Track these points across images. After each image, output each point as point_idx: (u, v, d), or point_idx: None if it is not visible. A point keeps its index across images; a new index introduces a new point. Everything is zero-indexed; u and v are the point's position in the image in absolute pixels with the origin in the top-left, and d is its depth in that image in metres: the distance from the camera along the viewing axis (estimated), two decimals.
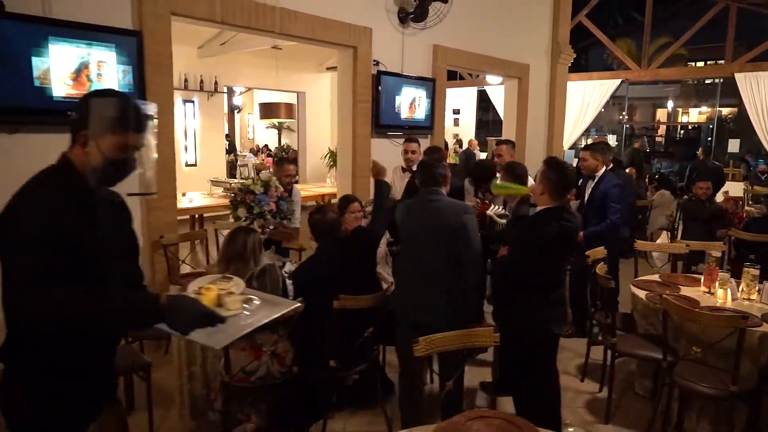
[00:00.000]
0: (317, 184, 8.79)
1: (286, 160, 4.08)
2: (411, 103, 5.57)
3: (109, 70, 3.33)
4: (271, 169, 5.24)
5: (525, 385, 2.55)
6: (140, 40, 3.45)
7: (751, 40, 10.45)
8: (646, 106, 20.90)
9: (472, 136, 14.52)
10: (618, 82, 11.70)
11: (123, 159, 1.41)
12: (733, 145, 12.62)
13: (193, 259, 4.16)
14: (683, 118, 17.85)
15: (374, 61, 5.16)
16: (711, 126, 12.93)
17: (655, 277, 3.60)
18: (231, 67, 8.89)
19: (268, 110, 7.32)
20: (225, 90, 9.55)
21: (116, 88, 3.37)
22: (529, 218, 2.60)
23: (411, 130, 5.65)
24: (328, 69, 10.04)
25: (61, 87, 3.16)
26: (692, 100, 18.22)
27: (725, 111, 19.07)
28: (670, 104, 19.07)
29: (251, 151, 14.79)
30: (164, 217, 3.78)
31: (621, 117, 17.97)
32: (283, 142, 17.55)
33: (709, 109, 17.66)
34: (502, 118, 11.53)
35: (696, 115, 18.51)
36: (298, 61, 9.49)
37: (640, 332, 3.27)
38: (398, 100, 5.43)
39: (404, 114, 5.54)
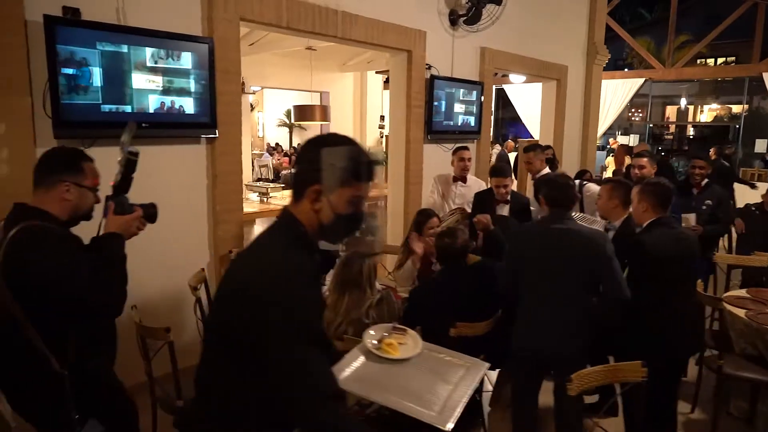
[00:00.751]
0: None
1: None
2: (462, 107, 5.44)
3: (181, 79, 3.18)
4: (292, 170, 5.07)
5: (647, 410, 2.43)
6: (212, 47, 3.30)
7: None
8: (655, 104, 20.83)
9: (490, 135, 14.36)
10: (641, 81, 11.59)
11: (354, 214, 1.24)
12: (761, 145, 12.52)
13: None
14: (701, 117, 17.71)
15: (426, 65, 5.02)
16: (738, 125, 12.78)
17: (743, 293, 3.49)
18: (259, 69, 8.72)
19: (302, 112, 7.15)
20: (252, 91, 9.38)
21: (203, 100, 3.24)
22: (638, 234, 2.48)
23: (461, 135, 5.53)
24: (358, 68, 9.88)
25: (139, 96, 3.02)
26: (709, 97, 18.11)
27: (735, 108, 19.05)
28: (683, 102, 18.99)
29: (267, 150, 14.61)
30: (232, 231, 3.64)
31: (629, 115, 17.91)
32: (294, 141, 17.40)
33: (719, 107, 17.62)
34: (522, 118, 11.55)
35: (708, 112, 18.40)
36: (321, 60, 9.33)
37: (737, 352, 3.16)
38: (449, 104, 5.29)
39: (455, 119, 5.40)
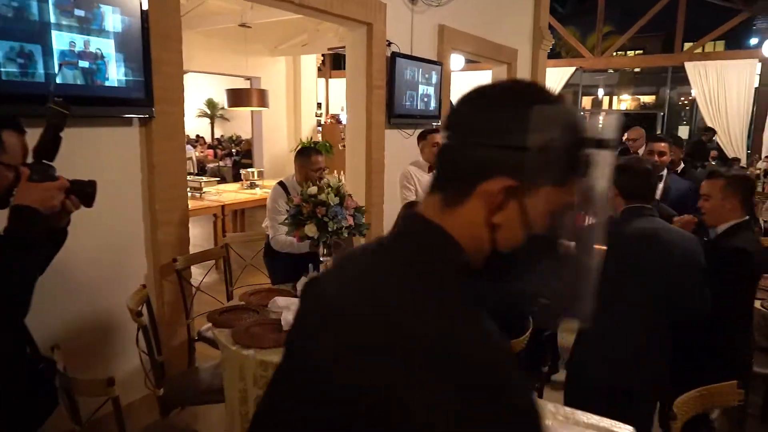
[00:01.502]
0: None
1: (312, 150, 3.27)
2: (422, 89, 4.98)
3: (103, 40, 2.46)
4: (220, 163, 4.22)
5: None
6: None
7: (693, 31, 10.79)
8: (569, 93, 21.66)
9: None
10: (572, 70, 11.77)
11: (551, 234, 0.65)
12: (683, 132, 13.19)
13: (213, 286, 3.33)
14: (621, 106, 18.55)
15: (387, 41, 4.51)
16: (662, 113, 13.38)
17: None
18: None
19: (237, 97, 6.38)
20: None
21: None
22: (727, 239, 2.13)
23: (421, 120, 5.08)
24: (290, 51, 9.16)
25: None
26: (625, 88, 19.01)
27: (646, 99, 20.20)
28: (600, 92, 19.81)
29: (188, 142, 13.45)
30: (175, 233, 2.95)
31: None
32: (217, 132, 16.25)
33: (629, 97, 18.59)
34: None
35: (624, 102, 19.33)
36: (252, 43, 8.54)
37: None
38: (411, 85, 4.82)
39: (416, 102, 4.94)
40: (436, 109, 5.24)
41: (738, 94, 9.93)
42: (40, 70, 2.21)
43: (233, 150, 12.52)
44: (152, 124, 2.75)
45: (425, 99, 5.06)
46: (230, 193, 6.19)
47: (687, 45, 11.43)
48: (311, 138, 8.65)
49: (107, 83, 2.47)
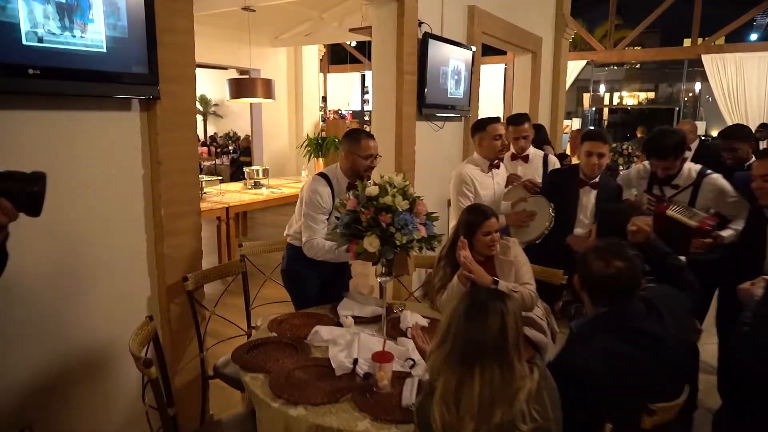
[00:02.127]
0: (286, 179, 7.33)
1: (362, 132, 2.61)
2: (455, 77, 4.44)
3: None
4: (216, 161, 3.58)
5: None
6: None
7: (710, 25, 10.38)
8: (571, 89, 21.29)
9: None
10: (583, 63, 11.31)
11: None
12: (700, 127, 12.77)
13: (229, 309, 2.72)
14: (629, 101, 18.16)
15: (418, 20, 3.96)
16: (678, 108, 12.97)
17: None
18: None
19: (240, 88, 5.79)
20: None
21: None
22: None
23: (452, 111, 4.54)
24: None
25: None
26: (636, 83, 18.66)
27: (646, 95, 19.85)
28: (602, 88, 19.42)
29: None
30: (186, 246, 2.38)
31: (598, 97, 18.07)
32: (210, 130, 15.59)
33: (629, 93, 18.25)
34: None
35: (627, 98, 18.96)
36: (253, 32, 7.95)
37: None
38: (443, 72, 4.28)
39: (448, 90, 4.40)
40: (467, 99, 4.70)
41: (758, 87, 9.52)
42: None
43: (230, 147, 11.90)
44: (157, 108, 2.18)
45: (457, 88, 4.52)
46: (234, 193, 5.60)
47: (687, 41, 11.08)
48: (318, 133, 8.08)
49: (89, 44, 1.86)
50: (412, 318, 2.25)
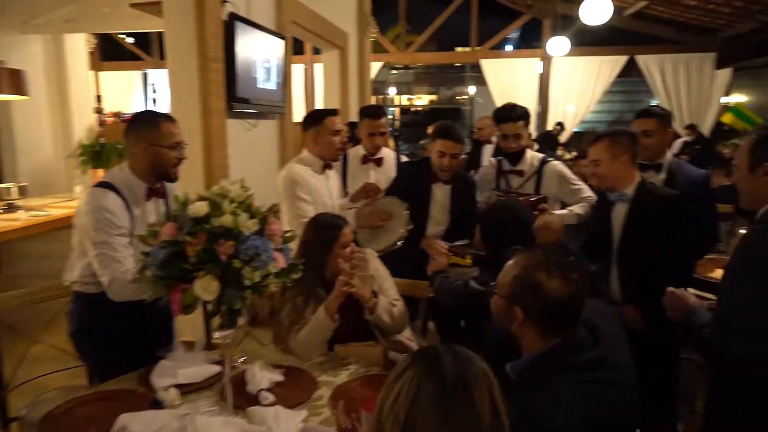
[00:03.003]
0: (54, 197, 5.84)
1: (161, 115, 1.99)
2: (265, 68, 3.88)
3: None
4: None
5: None
6: None
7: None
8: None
9: None
10: (380, 65, 11.59)
11: None
12: None
13: None
14: (418, 102, 19.39)
15: None
16: (468, 107, 14.12)
17: None
18: None
19: None
20: None
21: None
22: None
23: (266, 108, 3.98)
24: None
25: None
26: (424, 85, 19.98)
27: (430, 97, 21.63)
28: (392, 90, 20.51)
29: None
30: None
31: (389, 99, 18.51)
32: None
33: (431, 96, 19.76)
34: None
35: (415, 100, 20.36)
36: None
37: None
38: (255, 62, 3.69)
39: (263, 83, 3.82)
40: (281, 95, 4.18)
41: (529, 88, 10.86)
42: None
43: None
44: None
45: (270, 81, 3.97)
46: None
47: (460, 49, 12.27)
48: (96, 139, 6.66)
49: None
50: (261, 374, 1.68)
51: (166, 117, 1.99)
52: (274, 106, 4.12)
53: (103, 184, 1.88)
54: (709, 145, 8.94)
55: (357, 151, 3.18)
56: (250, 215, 1.27)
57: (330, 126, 2.59)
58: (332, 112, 2.65)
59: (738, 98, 10.51)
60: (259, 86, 3.78)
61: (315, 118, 2.64)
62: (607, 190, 2.20)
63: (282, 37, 4.08)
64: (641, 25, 10.37)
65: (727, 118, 2.42)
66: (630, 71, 10.51)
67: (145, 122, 1.96)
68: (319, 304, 1.92)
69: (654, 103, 11.32)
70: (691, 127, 9.19)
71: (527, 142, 2.79)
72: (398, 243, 2.52)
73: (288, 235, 1.41)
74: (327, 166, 2.70)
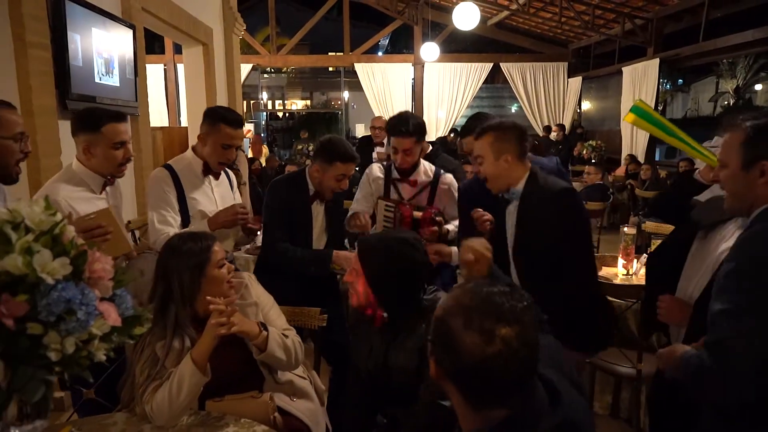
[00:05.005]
0: None
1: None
2: (107, 60, 3.26)
3: None
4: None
5: None
6: None
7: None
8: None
9: None
10: (249, 67, 10.96)
11: None
12: (360, 129, 13.95)
13: None
14: (292, 107, 18.83)
15: None
16: (339, 112, 13.87)
17: None
18: None
19: None
20: None
21: None
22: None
23: (112, 107, 3.35)
24: None
25: None
26: (297, 90, 19.49)
27: (304, 102, 21.26)
28: (264, 95, 19.78)
29: None
30: None
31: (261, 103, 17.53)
32: None
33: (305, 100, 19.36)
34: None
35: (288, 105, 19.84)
36: None
37: None
38: (98, 52, 3.07)
39: (106, 78, 3.20)
40: (132, 93, 3.57)
41: (403, 92, 10.95)
42: None
43: None
44: None
45: (118, 76, 3.36)
46: None
47: (334, 53, 12.12)
48: None
49: None
50: None
51: (4, 104, 1.69)
52: (125, 106, 3.50)
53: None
54: (570, 145, 9.69)
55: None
56: (58, 252, 0.84)
57: (111, 136, 1.86)
58: (117, 117, 1.91)
59: (586, 105, 11.56)
60: (103, 81, 3.17)
61: (90, 121, 1.89)
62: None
63: (130, 26, 3.49)
64: (504, 34, 10.99)
65: (629, 118, 2.40)
66: (495, 78, 11.07)
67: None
68: (188, 350, 1.50)
69: (515, 107, 12.09)
70: (562, 127, 10.03)
71: (418, 158, 2.51)
72: None
73: (122, 268, 1.00)
74: (108, 183, 1.98)
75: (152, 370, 1.51)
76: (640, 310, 2.01)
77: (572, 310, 1.72)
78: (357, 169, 2.60)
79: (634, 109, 1.97)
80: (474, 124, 2.14)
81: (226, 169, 2.33)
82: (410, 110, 10.37)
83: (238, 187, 2.54)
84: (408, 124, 2.33)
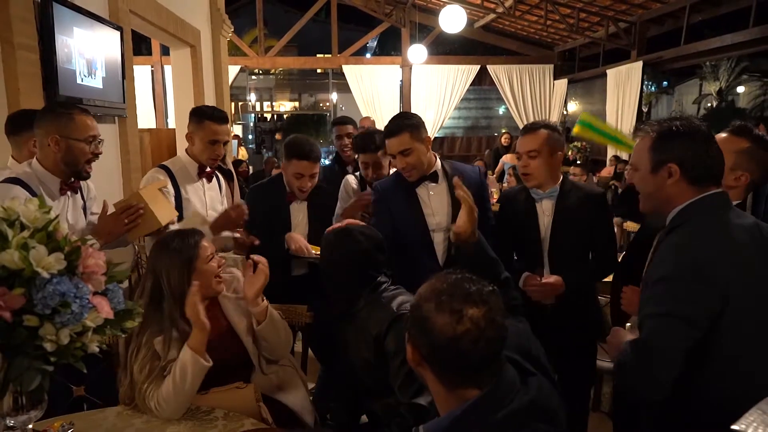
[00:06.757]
0: None
1: (74, 107, 1.89)
2: (96, 63, 3.28)
3: None
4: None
5: None
6: None
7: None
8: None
9: None
10: (237, 69, 10.96)
11: None
12: None
13: None
14: (281, 109, 18.81)
15: None
16: (327, 114, 13.88)
17: None
18: None
19: None
20: None
21: None
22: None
23: (100, 109, 3.37)
24: None
25: None
26: (285, 91, 19.46)
27: (293, 104, 21.26)
28: (252, 97, 19.74)
29: None
30: None
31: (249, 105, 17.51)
32: None
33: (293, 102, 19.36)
34: None
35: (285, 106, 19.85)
36: None
37: None
38: (84, 55, 3.09)
39: (93, 80, 3.22)
40: (119, 94, 3.59)
41: (391, 94, 11.01)
42: None
43: None
44: None
45: (103, 78, 3.37)
46: None
47: (322, 55, 12.14)
48: None
49: None
50: None
51: (79, 108, 1.90)
52: (113, 108, 3.52)
53: (9, 180, 1.76)
54: None
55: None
56: (53, 247, 0.88)
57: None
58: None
59: (572, 106, 11.71)
60: (91, 84, 3.18)
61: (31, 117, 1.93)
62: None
63: (118, 28, 3.50)
64: (491, 37, 11.10)
65: (576, 129, 2.53)
66: (482, 80, 11.17)
67: (56, 114, 1.85)
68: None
69: (502, 109, 12.18)
70: None
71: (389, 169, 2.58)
72: None
73: (121, 266, 1.04)
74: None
75: (153, 366, 1.54)
76: (609, 303, 2.10)
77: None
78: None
79: (580, 122, 2.10)
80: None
81: (217, 173, 2.39)
82: (399, 111, 10.44)
83: (229, 185, 2.60)
84: (374, 140, 2.39)
